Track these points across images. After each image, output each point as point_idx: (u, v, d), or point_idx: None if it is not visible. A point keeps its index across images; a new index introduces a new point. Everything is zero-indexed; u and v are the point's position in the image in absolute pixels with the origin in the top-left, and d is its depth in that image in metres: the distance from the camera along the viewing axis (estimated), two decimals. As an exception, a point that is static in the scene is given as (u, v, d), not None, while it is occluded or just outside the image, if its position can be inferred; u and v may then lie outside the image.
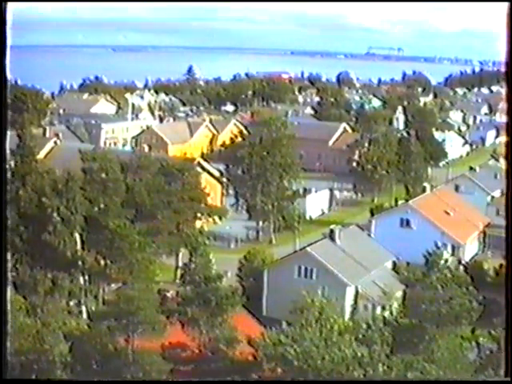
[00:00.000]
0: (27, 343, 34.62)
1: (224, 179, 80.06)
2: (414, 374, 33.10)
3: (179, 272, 51.59)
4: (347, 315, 48.82)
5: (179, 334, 38.25)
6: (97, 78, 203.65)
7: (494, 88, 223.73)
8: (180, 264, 56.80)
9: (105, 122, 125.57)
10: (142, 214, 54.62)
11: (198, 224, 63.52)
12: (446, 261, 40.38)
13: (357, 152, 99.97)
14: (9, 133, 25.75)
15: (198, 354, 38.14)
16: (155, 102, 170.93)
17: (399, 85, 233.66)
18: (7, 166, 43.48)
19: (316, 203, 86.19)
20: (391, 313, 41.35)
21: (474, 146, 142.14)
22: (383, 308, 50.16)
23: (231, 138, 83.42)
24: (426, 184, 79.20)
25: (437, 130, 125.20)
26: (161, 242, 56.93)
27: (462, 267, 54.54)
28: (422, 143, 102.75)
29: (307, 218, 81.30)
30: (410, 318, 37.80)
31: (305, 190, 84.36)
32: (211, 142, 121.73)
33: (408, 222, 67.65)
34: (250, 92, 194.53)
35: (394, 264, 59.23)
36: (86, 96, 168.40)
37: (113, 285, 50.90)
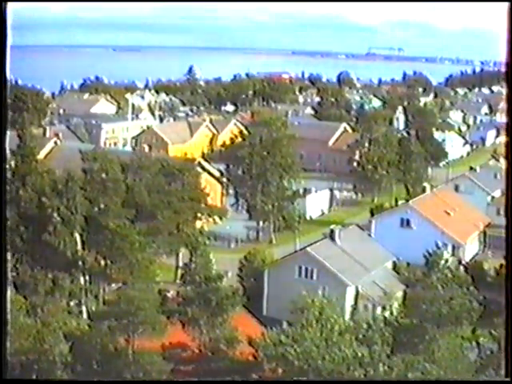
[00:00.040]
0: (27, 343, 34.60)
1: (224, 179, 79.98)
2: (414, 374, 33.11)
3: (179, 272, 51.70)
4: (347, 315, 48.73)
5: (180, 334, 38.28)
6: (97, 78, 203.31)
7: (495, 88, 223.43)
8: (180, 264, 56.86)
9: (105, 122, 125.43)
10: (142, 214, 54.53)
11: (199, 224, 63.53)
12: (447, 261, 40.41)
13: (357, 152, 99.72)
14: (9, 133, 25.76)
15: (198, 354, 38.19)
16: (155, 102, 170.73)
17: (400, 85, 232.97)
18: (7, 166, 43.80)
19: (316, 203, 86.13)
20: (391, 313, 41.32)
21: (474, 146, 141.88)
22: (383, 308, 50.13)
23: (231, 138, 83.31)
24: (426, 184, 79.05)
25: (437, 130, 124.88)
26: (161, 242, 56.96)
27: (462, 267, 54.38)
28: (422, 143, 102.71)
29: (307, 217, 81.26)
30: (411, 318, 37.77)
31: (305, 190, 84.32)
32: (211, 142, 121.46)
33: (408, 222, 67.61)
34: (250, 92, 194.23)
35: (395, 264, 59.24)
36: (86, 96, 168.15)
37: (113, 285, 50.95)
